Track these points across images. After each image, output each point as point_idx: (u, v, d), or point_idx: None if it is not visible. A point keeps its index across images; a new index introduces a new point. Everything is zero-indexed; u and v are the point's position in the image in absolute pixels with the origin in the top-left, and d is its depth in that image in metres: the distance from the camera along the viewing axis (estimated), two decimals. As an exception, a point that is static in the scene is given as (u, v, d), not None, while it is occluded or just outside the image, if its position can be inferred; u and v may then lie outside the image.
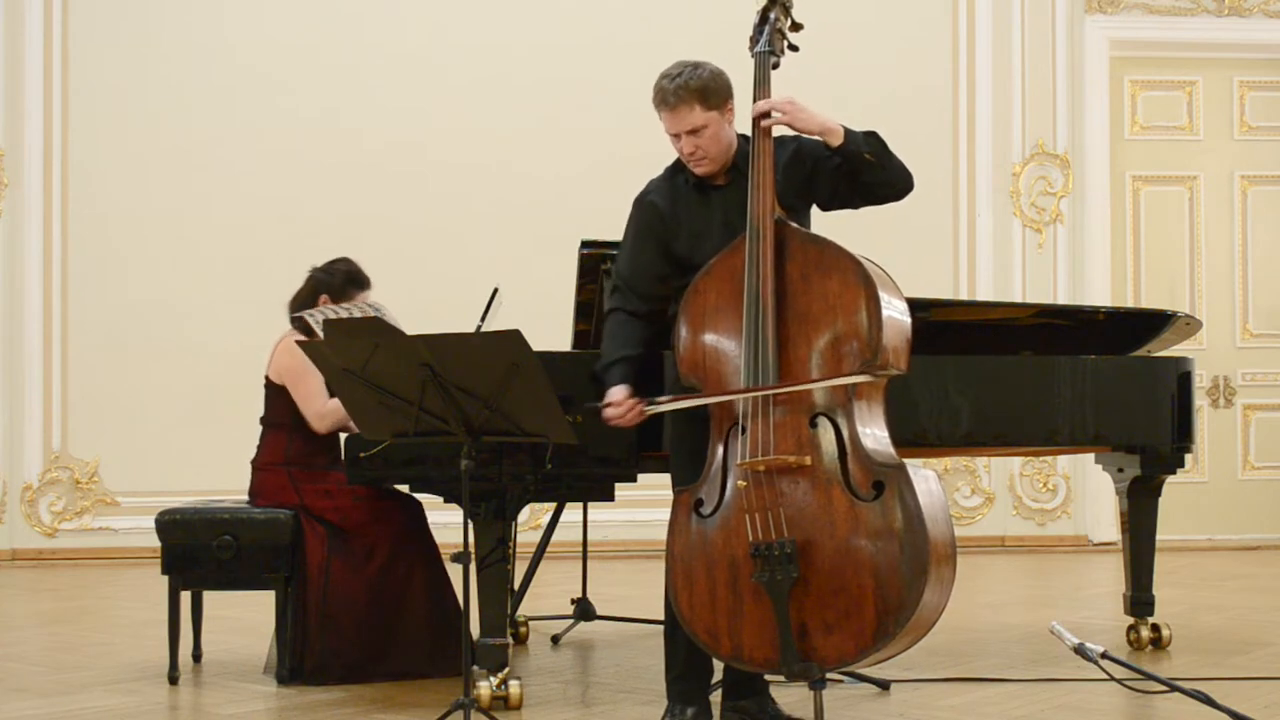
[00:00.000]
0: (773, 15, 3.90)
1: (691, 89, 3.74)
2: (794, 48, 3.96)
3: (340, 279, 4.94)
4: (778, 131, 3.80)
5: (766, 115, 3.74)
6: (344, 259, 5.03)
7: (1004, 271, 8.65)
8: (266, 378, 4.90)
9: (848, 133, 3.74)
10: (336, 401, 4.78)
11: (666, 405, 3.75)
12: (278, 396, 4.88)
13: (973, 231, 8.67)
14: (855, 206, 3.91)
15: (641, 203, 3.93)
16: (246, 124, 8.44)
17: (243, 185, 8.43)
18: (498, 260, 7.94)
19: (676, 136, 3.80)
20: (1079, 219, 8.71)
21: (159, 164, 8.42)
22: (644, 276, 3.90)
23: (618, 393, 3.78)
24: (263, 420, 4.93)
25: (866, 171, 3.77)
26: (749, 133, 3.80)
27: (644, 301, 3.90)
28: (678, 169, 3.92)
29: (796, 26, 3.96)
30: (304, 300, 4.93)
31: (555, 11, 8.56)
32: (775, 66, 3.86)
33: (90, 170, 8.39)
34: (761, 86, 3.80)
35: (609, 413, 3.77)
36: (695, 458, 3.71)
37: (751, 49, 3.89)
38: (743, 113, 3.80)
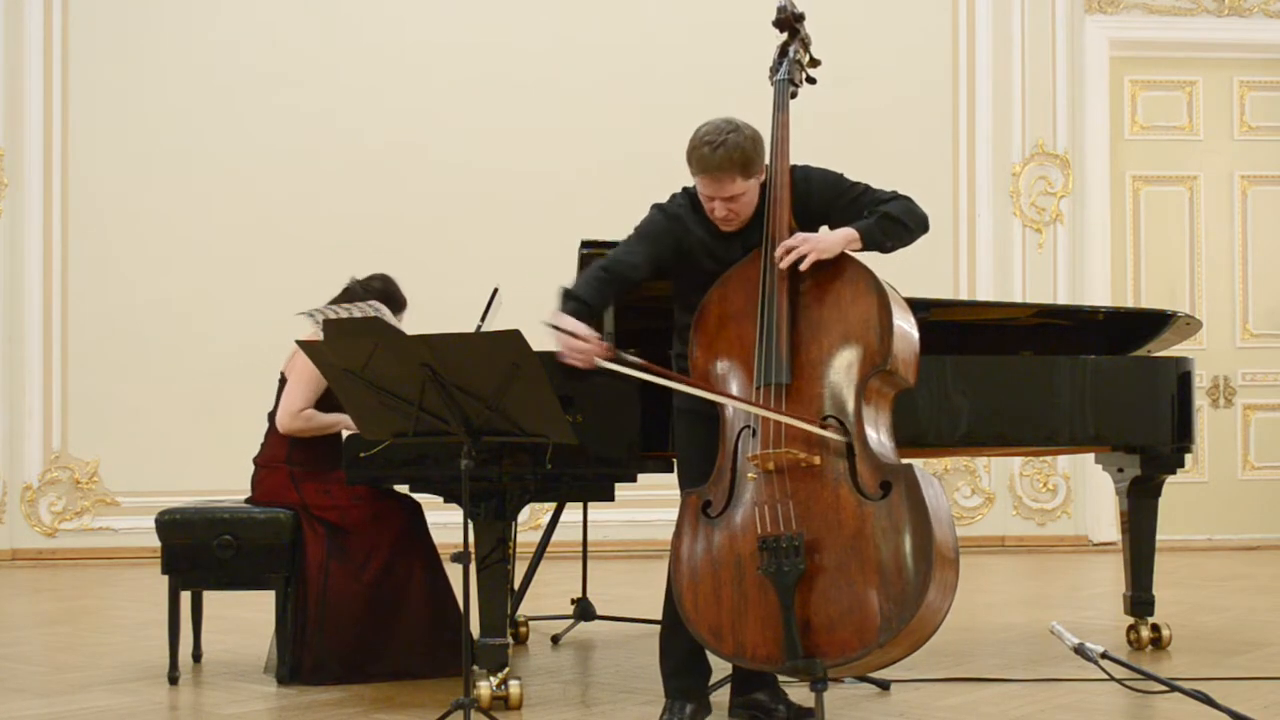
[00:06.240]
0: (792, 49, 4.03)
1: (735, 161, 3.68)
2: (811, 80, 4.10)
3: (374, 296, 4.88)
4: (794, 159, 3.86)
5: (790, 254, 3.69)
6: (382, 276, 5.02)
7: (1004, 271, 8.65)
8: (281, 374, 4.90)
9: (864, 235, 3.76)
10: (312, 412, 4.76)
11: (632, 371, 3.62)
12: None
13: (973, 231, 8.66)
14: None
15: (667, 211, 3.88)
16: (246, 124, 8.45)
17: (242, 185, 8.43)
18: (498, 260, 7.93)
19: (710, 199, 3.76)
20: (1079, 219, 8.71)
21: (159, 164, 8.42)
22: (635, 265, 3.81)
23: (585, 328, 3.64)
24: (270, 415, 4.92)
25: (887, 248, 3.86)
26: (769, 145, 3.83)
27: (630, 272, 3.81)
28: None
29: (814, 62, 4.09)
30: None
31: (555, 12, 8.55)
32: (794, 96, 3.99)
33: (90, 170, 8.39)
34: (780, 111, 3.90)
35: (574, 343, 3.62)
36: (707, 461, 3.71)
37: (771, 77, 4.02)
38: (761, 123, 3.86)
